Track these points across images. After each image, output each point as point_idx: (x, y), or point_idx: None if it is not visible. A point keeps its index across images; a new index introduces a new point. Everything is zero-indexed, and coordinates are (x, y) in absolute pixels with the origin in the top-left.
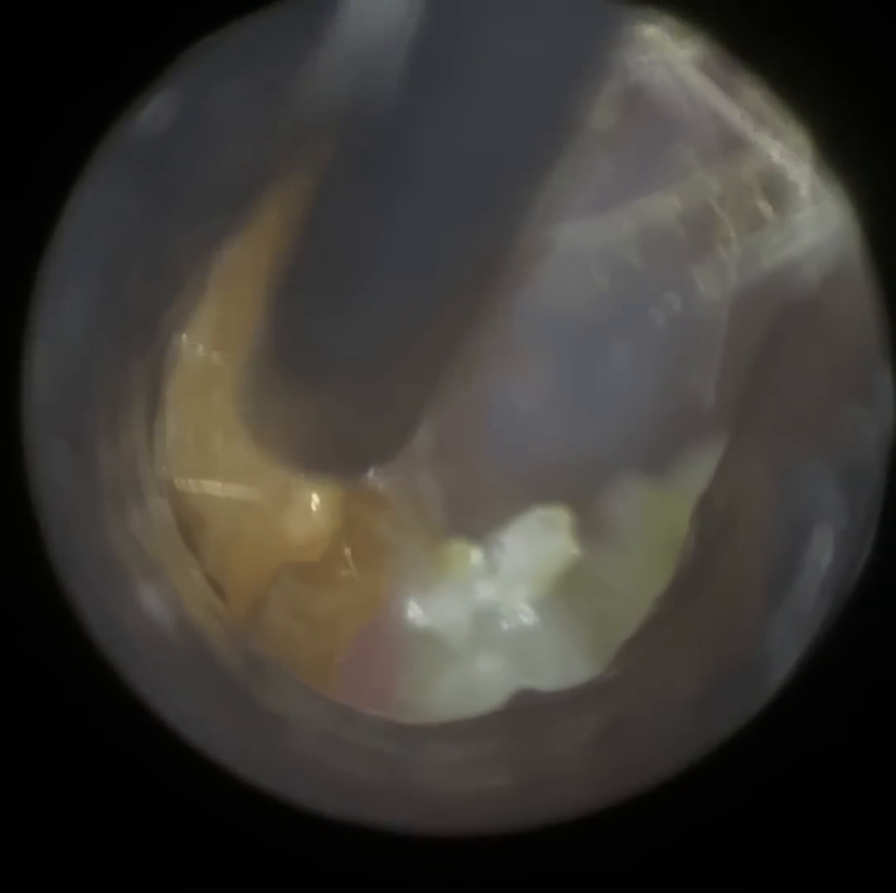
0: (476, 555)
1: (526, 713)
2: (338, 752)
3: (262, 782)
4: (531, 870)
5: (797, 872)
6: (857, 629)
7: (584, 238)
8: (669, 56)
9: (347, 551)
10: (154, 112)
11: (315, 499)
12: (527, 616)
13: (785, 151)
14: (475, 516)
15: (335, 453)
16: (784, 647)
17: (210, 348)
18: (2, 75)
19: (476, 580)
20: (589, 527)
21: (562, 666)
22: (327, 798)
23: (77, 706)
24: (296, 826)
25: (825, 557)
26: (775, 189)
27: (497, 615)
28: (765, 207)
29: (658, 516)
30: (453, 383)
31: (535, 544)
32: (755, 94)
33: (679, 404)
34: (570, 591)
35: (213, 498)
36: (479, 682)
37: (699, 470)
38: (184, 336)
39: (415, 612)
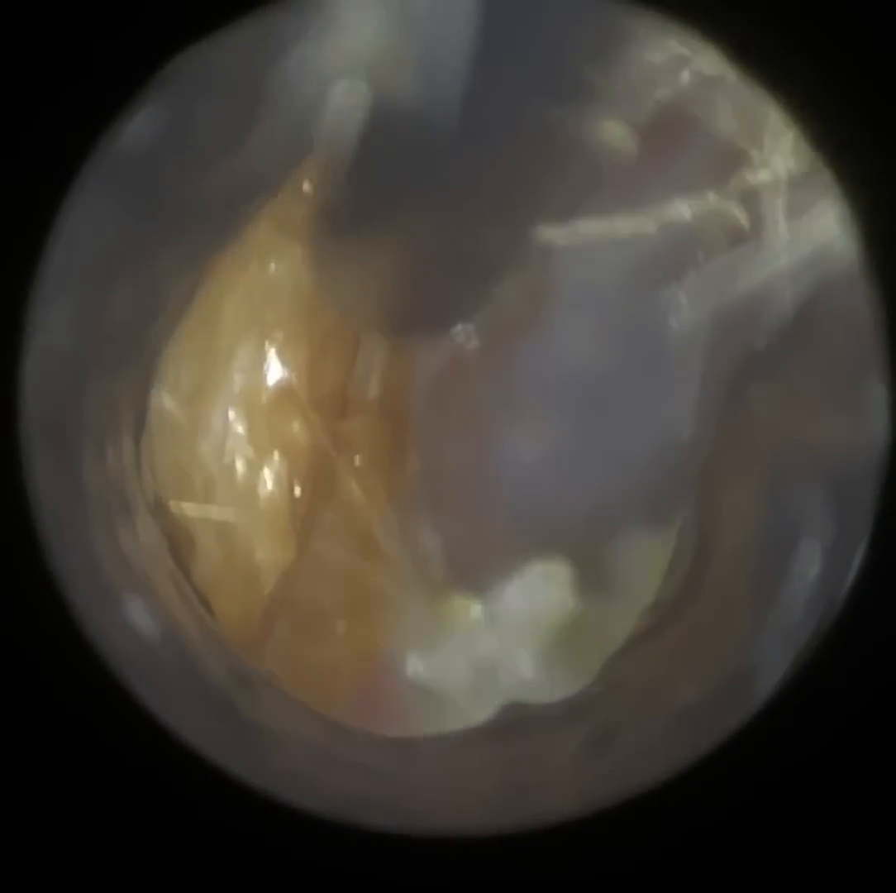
0: (476, 609)
1: (516, 724)
2: (328, 766)
3: (256, 789)
4: (522, 876)
5: (783, 882)
6: (845, 642)
7: (586, 273)
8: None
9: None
10: (140, 126)
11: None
12: (527, 670)
13: (773, 161)
14: (476, 569)
15: (417, 308)
16: (771, 659)
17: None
18: None
19: (476, 634)
20: (591, 579)
21: (560, 683)
22: (320, 807)
23: (74, 712)
24: (294, 826)
25: (813, 570)
26: (763, 201)
27: (497, 669)
28: (752, 219)
29: (660, 566)
30: (452, 433)
31: (537, 598)
32: (751, 99)
33: (670, 444)
34: (570, 645)
35: (201, 521)
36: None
37: None
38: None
39: (414, 667)
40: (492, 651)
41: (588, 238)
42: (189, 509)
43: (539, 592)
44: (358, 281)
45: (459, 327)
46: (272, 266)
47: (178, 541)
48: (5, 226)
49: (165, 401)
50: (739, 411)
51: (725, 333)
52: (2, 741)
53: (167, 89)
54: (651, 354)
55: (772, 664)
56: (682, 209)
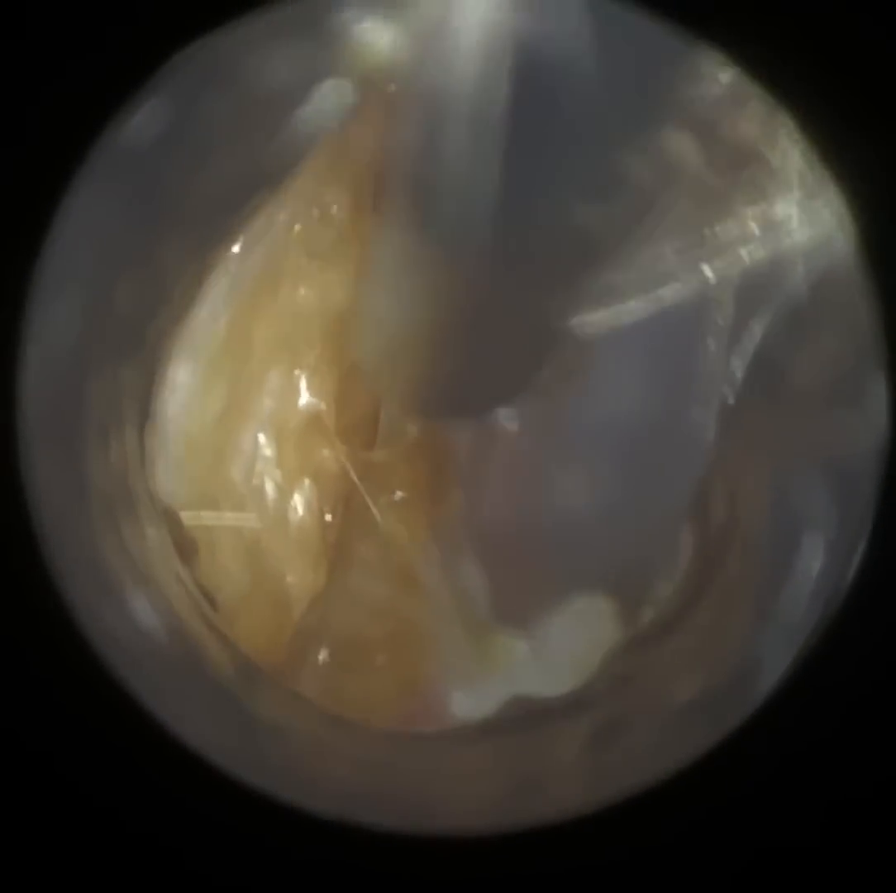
0: (520, 647)
1: (521, 719)
2: (331, 760)
3: (257, 788)
4: (526, 872)
5: (786, 876)
6: (847, 636)
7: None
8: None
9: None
10: (143, 119)
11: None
12: None
13: (779, 158)
14: (519, 607)
15: (454, 391)
16: (774, 654)
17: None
18: None
19: (520, 671)
20: (634, 613)
21: (568, 676)
22: (321, 805)
23: (72, 710)
24: (294, 826)
25: (816, 564)
26: (768, 198)
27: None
28: (757, 214)
29: None
30: (497, 476)
31: (582, 634)
32: (753, 98)
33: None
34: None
35: (208, 527)
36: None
37: None
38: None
39: (458, 704)
40: (535, 688)
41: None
42: (207, 517)
43: (584, 627)
44: (395, 359)
45: (499, 412)
46: (302, 291)
47: (182, 537)
48: (8, 219)
49: (187, 423)
50: (746, 403)
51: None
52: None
53: (170, 85)
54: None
55: (775, 658)
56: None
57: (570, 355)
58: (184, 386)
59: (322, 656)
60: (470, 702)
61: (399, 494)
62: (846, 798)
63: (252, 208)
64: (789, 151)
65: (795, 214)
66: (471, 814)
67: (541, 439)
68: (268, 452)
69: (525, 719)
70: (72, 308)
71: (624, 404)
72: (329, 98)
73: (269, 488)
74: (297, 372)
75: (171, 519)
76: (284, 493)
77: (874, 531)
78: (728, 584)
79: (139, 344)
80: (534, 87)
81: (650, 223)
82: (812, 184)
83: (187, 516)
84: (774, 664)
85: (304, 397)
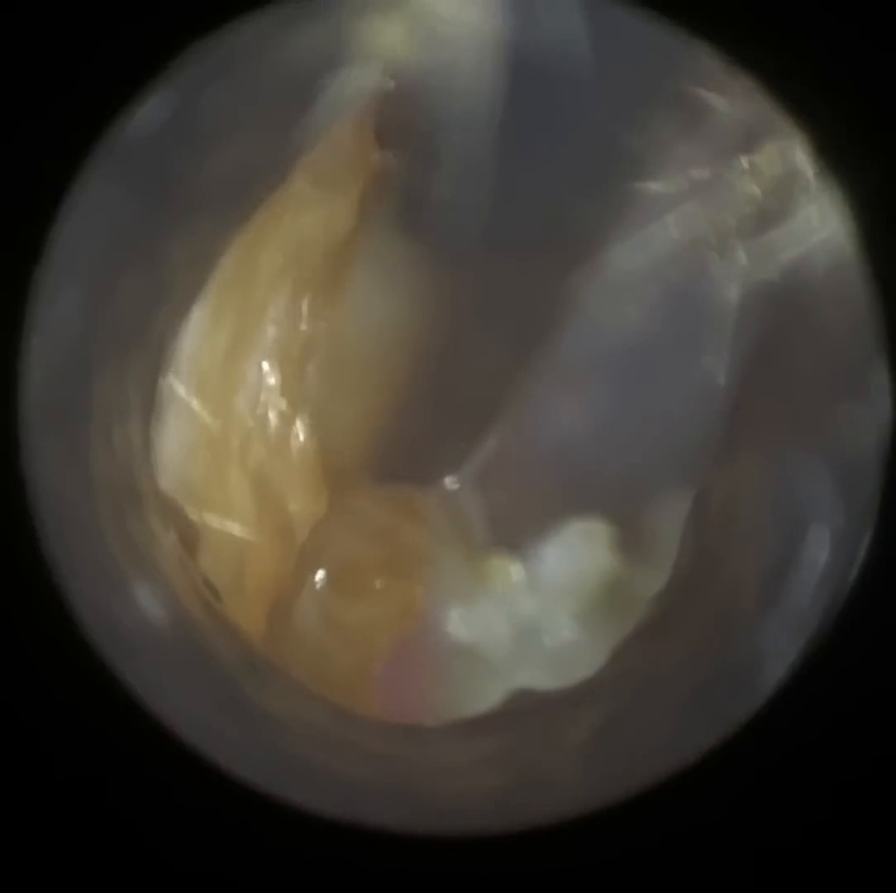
0: (517, 569)
1: (524, 712)
2: (335, 752)
3: (260, 782)
4: (529, 869)
5: (794, 869)
6: (853, 627)
7: (629, 257)
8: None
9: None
10: (149, 113)
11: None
12: (568, 630)
13: (783, 152)
14: (516, 529)
15: (406, 457)
16: (780, 645)
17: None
18: None
19: (517, 593)
20: (629, 540)
21: (574, 665)
22: (325, 798)
23: (73, 706)
24: (294, 825)
25: (821, 555)
26: (774, 190)
27: (538, 629)
28: (764, 208)
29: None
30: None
31: (576, 558)
32: (754, 97)
33: (704, 402)
34: (608, 605)
35: (211, 529)
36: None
37: None
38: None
39: (455, 625)
40: (532, 611)
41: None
42: (199, 515)
43: (579, 551)
44: (347, 421)
45: (447, 478)
46: (306, 218)
47: (186, 528)
48: (14, 212)
49: (193, 404)
50: (751, 393)
51: (746, 311)
52: (2, 729)
53: (175, 80)
54: (688, 317)
55: (781, 651)
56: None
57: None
58: (196, 323)
59: (320, 580)
60: (465, 624)
61: None
62: (855, 793)
63: (256, 202)
64: (789, 146)
65: (796, 209)
66: (472, 810)
67: (539, 364)
68: (271, 380)
69: (527, 712)
70: (77, 299)
71: (626, 336)
72: (335, 94)
73: (273, 417)
74: (299, 299)
75: (175, 510)
76: (287, 420)
77: (879, 521)
78: (730, 575)
79: (145, 335)
80: (527, 83)
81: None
82: (814, 179)
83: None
84: (780, 656)
85: (307, 324)
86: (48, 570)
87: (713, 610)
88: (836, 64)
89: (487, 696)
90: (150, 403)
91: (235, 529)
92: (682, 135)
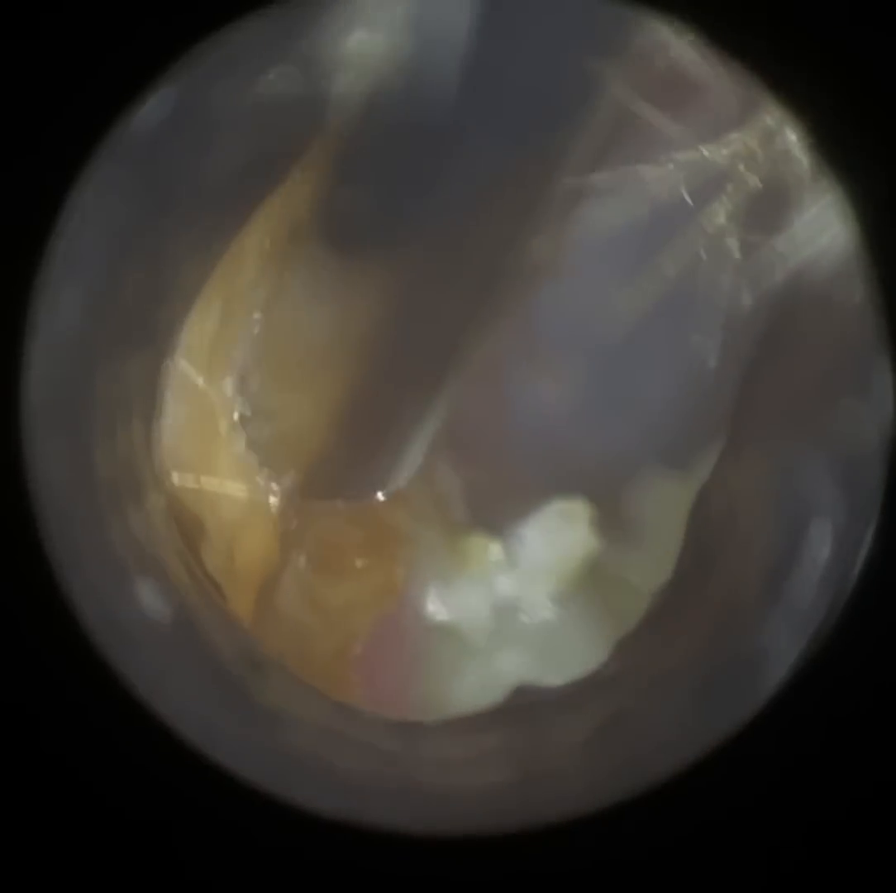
0: (495, 549)
1: (526, 708)
2: (336, 748)
3: (260, 780)
4: (531, 868)
5: (797, 869)
6: (856, 623)
7: (604, 221)
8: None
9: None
10: (151, 111)
11: None
12: (547, 611)
13: (785, 151)
14: (494, 508)
15: (341, 474)
16: (783, 642)
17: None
18: (0, 74)
19: (496, 573)
20: (608, 521)
21: (575, 661)
22: (326, 796)
23: (75, 702)
24: (295, 825)
25: (824, 551)
26: (776, 190)
27: (517, 609)
28: (767, 208)
29: (677, 510)
30: (473, 377)
31: (555, 538)
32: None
33: (692, 383)
34: (588, 586)
35: (211, 495)
36: (497, 677)
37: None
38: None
39: (434, 605)
40: (511, 591)
41: (611, 183)
42: (199, 481)
43: (558, 531)
44: (286, 442)
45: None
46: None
47: (189, 524)
48: (17, 209)
49: (194, 378)
50: (753, 390)
51: (747, 308)
52: (3, 727)
53: (178, 76)
54: (678, 298)
55: (783, 647)
56: (702, 152)
57: (555, 223)
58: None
59: (302, 560)
60: (444, 603)
61: None
62: (858, 792)
63: (256, 201)
64: (782, 132)
65: (798, 208)
66: (474, 809)
67: (515, 341)
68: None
69: (529, 710)
70: (80, 297)
71: (603, 302)
72: (328, 94)
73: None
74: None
75: (176, 505)
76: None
77: (881, 517)
78: (733, 572)
79: (147, 331)
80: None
81: None
82: (815, 174)
83: (188, 480)
84: (783, 653)
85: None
86: (49, 565)
87: (716, 606)
88: (836, 60)
89: (466, 677)
90: (152, 398)
91: (237, 489)
92: (671, 117)
